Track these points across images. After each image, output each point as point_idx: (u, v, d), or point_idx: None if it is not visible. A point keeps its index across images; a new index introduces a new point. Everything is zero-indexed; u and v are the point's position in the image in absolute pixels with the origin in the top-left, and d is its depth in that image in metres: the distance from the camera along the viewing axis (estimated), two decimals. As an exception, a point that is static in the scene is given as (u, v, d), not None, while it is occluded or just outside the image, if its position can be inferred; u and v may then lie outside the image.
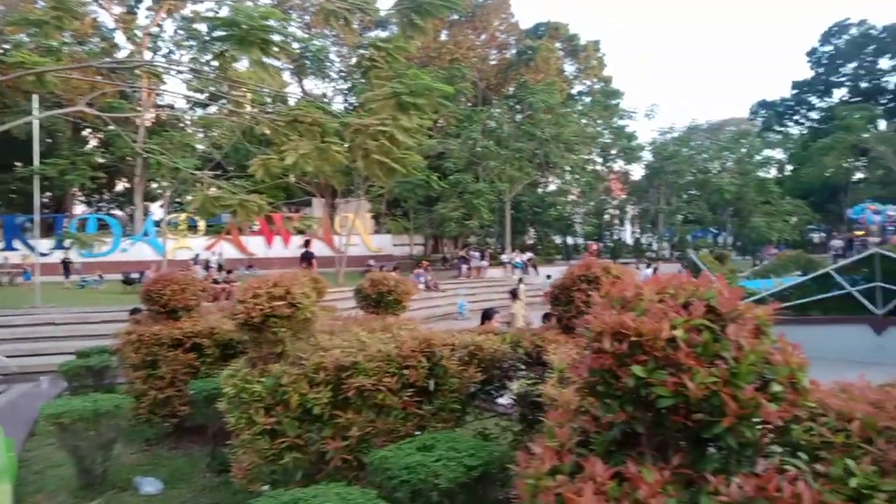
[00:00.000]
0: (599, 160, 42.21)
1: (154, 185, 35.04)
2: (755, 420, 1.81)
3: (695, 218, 39.35)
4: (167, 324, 7.05)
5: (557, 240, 43.19)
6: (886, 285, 12.12)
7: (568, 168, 36.96)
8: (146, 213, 34.00)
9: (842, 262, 13.99)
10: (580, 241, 44.15)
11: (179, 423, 7.12)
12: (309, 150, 8.47)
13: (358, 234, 31.30)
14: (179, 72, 10.79)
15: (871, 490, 1.88)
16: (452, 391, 4.15)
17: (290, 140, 8.62)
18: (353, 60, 32.62)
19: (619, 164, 43.07)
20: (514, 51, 42.66)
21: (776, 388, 1.81)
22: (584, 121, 38.34)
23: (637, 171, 43.46)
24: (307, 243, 22.28)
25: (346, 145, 8.45)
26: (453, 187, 31.18)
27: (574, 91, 44.92)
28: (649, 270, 22.37)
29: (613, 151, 41.31)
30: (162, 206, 28.48)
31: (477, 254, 31.09)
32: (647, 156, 40.58)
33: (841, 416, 2.26)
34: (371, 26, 36.23)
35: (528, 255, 32.53)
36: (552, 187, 39.85)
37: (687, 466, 1.91)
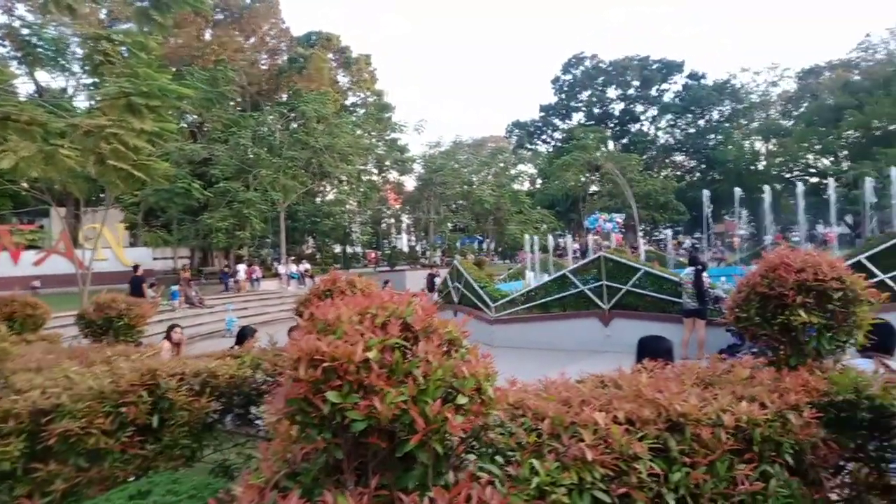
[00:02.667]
0: (375, 171, 43.18)
1: None
2: (444, 433, 1.86)
3: (462, 226, 42.22)
4: None
5: (337, 249, 43.15)
6: (610, 283, 14.07)
7: (344, 178, 37.17)
8: None
9: (576, 265, 15.90)
10: (359, 249, 44.62)
11: None
12: (32, 153, 7.19)
13: (108, 247, 27.81)
14: None
15: (552, 486, 2.04)
16: (182, 425, 3.76)
17: (8, 141, 7.25)
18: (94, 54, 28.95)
19: (393, 175, 44.52)
20: (285, 57, 41.71)
21: (462, 400, 1.88)
22: (358, 132, 38.89)
23: (410, 182, 45.39)
24: (136, 268, 18.85)
25: (79, 148, 7.35)
26: (221, 196, 29.34)
27: (348, 102, 45.38)
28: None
29: (388, 163, 42.57)
30: None
31: (242, 266, 29.57)
32: (418, 168, 42.56)
33: (536, 415, 2.45)
34: (123, 19, 32.60)
35: (305, 265, 31.89)
36: (330, 196, 39.72)
37: (388, 487, 1.90)
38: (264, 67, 41.79)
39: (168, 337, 7.35)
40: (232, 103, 33.77)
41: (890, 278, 11.94)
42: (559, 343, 14.00)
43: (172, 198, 27.45)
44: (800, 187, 22.01)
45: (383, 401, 1.77)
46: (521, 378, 3.02)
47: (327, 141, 31.63)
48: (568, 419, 2.34)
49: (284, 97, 40.29)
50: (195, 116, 33.38)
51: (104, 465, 3.58)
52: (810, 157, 50.04)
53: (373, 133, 40.60)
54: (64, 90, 32.00)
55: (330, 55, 43.39)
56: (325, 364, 1.81)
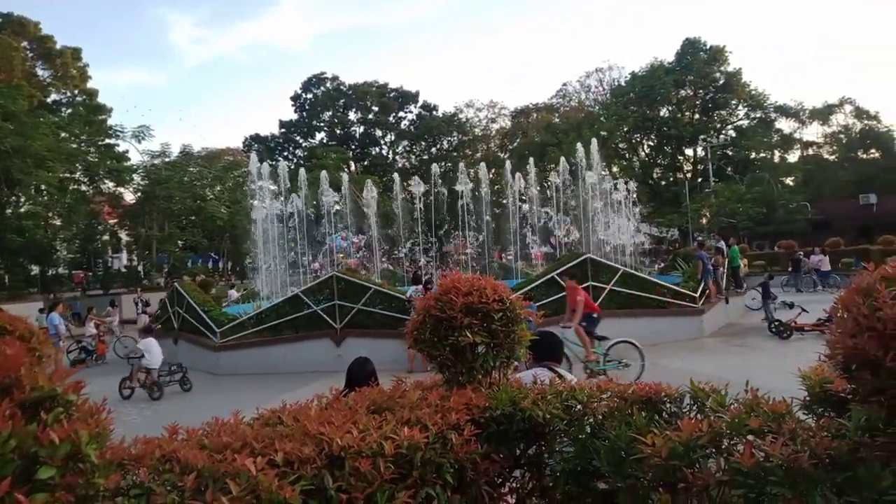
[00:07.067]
0: (85, 180, 37.60)
1: None
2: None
3: (192, 244, 38.91)
4: None
5: (35, 270, 36.52)
6: (342, 303, 14.15)
7: (43, 187, 31.70)
8: None
9: (309, 285, 15.70)
10: (64, 270, 38.43)
11: None
12: None
13: None
14: None
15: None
16: None
17: None
18: None
19: (108, 186, 39.20)
20: (-40, 38, 34.29)
21: (47, 473, 1.51)
22: (63, 134, 33.57)
23: (131, 195, 40.49)
24: None
25: None
26: None
27: (49, 100, 38.91)
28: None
29: (101, 172, 37.36)
30: None
31: None
32: (139, 179, 38.16)
33: (184, 468, 2.14)
34: None
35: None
36: (24, 209, 33.49)
37: None
38: (-73, 47, 33.79)
39: None
40: None
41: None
42: (290, 366, 13.59)
43: None
44: (512, 212, 25.02)
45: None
46: (241, 409, 2.76)
47: (17, 143, 26.58)
48: (221, 469, 2.08)
49: (-41, 86, 32.98)
50: None
51: None
52: (522, 185, 57.36)
53: (82, 137, 35.33)
54: None
55: (25, 43, 36.78)
56: None
